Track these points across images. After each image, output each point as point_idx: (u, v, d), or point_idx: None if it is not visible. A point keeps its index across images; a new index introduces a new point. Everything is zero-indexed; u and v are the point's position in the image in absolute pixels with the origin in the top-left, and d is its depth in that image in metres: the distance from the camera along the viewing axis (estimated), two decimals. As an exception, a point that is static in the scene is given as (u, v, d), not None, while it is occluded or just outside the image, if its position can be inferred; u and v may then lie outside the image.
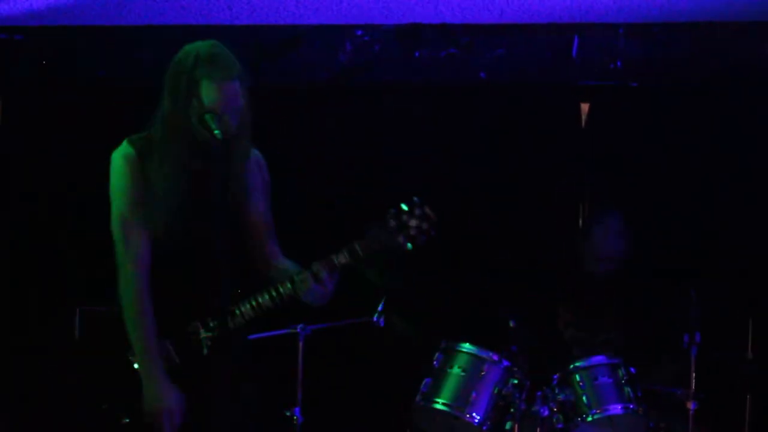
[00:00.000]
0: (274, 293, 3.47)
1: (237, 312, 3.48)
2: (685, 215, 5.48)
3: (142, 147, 3.55)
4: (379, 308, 4.73)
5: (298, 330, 4.69)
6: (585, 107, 5.66)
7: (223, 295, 3.37)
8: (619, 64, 5.49)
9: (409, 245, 3.39)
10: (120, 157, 3.57)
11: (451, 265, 5.54)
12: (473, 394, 4.40)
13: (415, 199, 3.41)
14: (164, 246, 3.52)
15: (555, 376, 4.47)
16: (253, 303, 3.48)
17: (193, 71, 3.44)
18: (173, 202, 3.49)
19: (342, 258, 3.43)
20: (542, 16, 5.37)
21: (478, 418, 4.38)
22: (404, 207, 3.40)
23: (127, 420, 3.49)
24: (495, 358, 4.45)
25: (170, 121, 3.50)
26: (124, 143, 3.59)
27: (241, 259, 3.55)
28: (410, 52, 5.55)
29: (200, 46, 3.51)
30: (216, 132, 3.36)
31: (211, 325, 3.47)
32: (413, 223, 3.38)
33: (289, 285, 3.46)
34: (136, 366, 3.50)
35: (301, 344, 4.69)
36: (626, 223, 5.13)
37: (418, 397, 4.49)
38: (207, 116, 3.40)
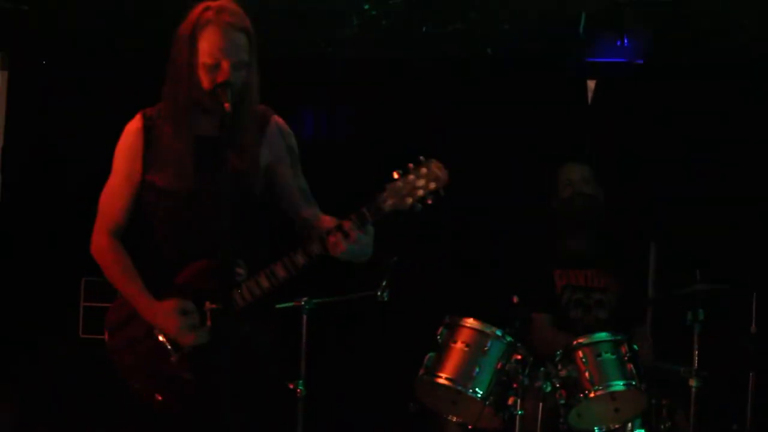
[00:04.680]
0: (288, 264, 3.42)
1: (247, 285, 3.44)
2: (691, 192, 5.48)
3: (152, 118, 3.54)
4: (383, 283, 4.71)
5: (302, 303, 4.69)
6: (591, 84, 5.66)
7: (225, 264, 3.37)
8: (626, 41, 5.47)
9: (418, 206, 3.33)
10: (126, 129, 3.57)
11: (454, 239, 5.55)
12: (476, 370, 4.40)
13: (421, 158, 3.34)
14: (171, 211, 3.49)
15: (558, 352, 4.48)
16: (268, 275, 3.43)
17: (199, 18, 3.42)
18: (177, 165, 3.45)
19: (353, 225, 3.35)
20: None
21: (481, 393, 4.37)
22: (410, 167, 3.34)
23: (161, 398, 3.45)
24: (498, 333, 4.46)
25: (175, 75, 3.46)
26: (137, 116, 3.57)
27: (253, 225, 3.53)
28: (417, 27, 5.53)
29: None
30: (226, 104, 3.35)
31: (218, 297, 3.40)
32: (420, 183, 3.32)
33: (298, 257, 3.41)
34: (160, 338, 3.45)
35: (304, 317, 4.69)
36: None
37: (421, 372, 4.49)
38: (219, 87, 3.35)
